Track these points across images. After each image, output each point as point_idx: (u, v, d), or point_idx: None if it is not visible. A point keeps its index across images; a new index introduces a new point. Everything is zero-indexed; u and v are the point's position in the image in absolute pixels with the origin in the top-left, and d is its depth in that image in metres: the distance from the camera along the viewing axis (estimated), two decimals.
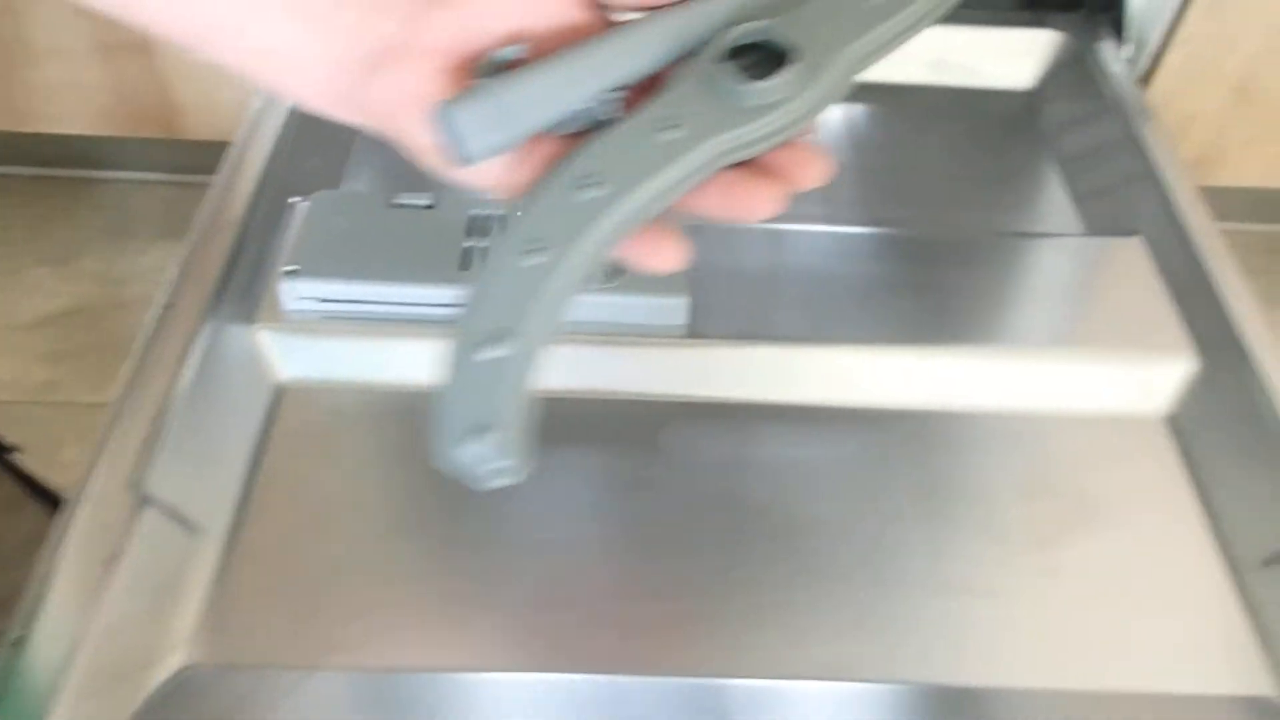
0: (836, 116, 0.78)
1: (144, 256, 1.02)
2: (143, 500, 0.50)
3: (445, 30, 0.34)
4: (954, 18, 0.81)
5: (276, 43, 0.34)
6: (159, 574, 0.49)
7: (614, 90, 0.35)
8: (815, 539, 0.54)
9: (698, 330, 0.58)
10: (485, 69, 0.34)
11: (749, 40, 0.35)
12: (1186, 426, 0.58)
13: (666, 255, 0.35)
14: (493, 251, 0.35)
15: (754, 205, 0.35)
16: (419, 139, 0.34)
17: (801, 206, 0.70)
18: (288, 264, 0.58)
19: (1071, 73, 0.78)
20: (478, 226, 0.60)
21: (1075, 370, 0.59)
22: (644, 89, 0.35)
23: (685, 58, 0.35)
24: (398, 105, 0.34)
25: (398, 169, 0.70)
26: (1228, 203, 0.92)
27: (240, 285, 0.59)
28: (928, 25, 0.38)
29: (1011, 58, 0.80)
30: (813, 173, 0.36)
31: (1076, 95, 0.77)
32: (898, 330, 0.60)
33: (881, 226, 0.67)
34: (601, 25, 0.36)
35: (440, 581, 0.52)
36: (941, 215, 0.71)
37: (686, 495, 0.56)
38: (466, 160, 0.33)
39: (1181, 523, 0.55)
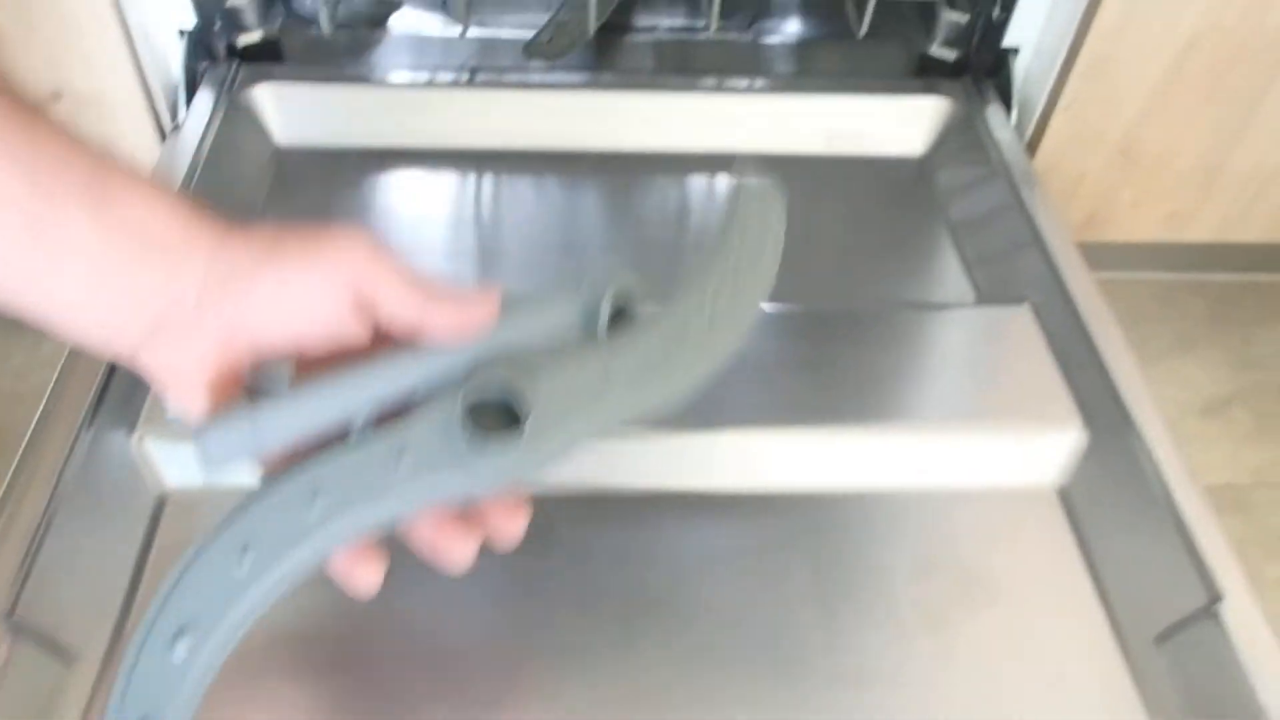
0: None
1: (41, 348, 0.99)
2: (15, 631, 0.48)
3: (229, 322, 0.37)
4: (845, 87, 0.83)
5: (76, 299, 0.35)
6: (30, 709, 0.47)
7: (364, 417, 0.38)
8: (712, 627, 0.53)
9: None
10: (251, 382, 0.39)
11: (488, 396, 0.38)
12: (1077, 499, 0.59)
13: (361, 578, 0.38)
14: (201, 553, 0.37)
15: (453, 556, 0.39)
16: (170, 400, 0.38)
17: None
18: None
19: (961, 139, 0.79)
20: None
21: (967, 445, 0.60)
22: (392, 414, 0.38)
23: (436, 393, 0.38)
24: (164, 371, 0.37)
25: None
26: (1121, 255, 0.94)
27: (121, 390, 0.58)
28: (669, 405, 0.42)
29: (902, 125, 0.81)
30: (513, 529, 0.40)
31: (965, 161, 0.78)
32: (792, 411, 0.60)
33: (774, 300, 0.67)
34: (370, 342, 0.39)
35: (330, 695, 0.50)
36: (836, 288, 0.71)
37: (582, 588, 0.55)
38: (210, 467, 0.37)
39: (1073, 598, 0.55)
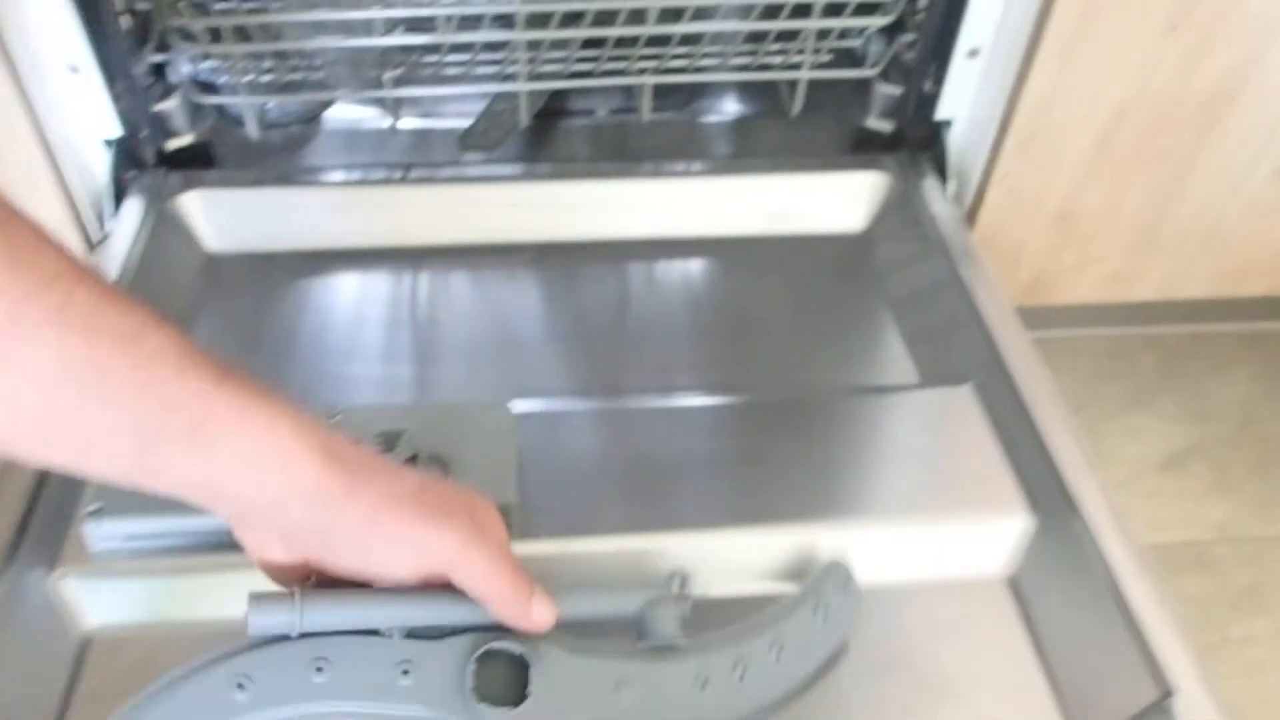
0: (671, 274, 0.78)
1: None
2: None
3: (316, 556, 0.41)
4: (783, 166, 0.83)
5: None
6: None
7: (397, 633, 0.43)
8: None
9: (527, 530, 0.56)
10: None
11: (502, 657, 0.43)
12: (1027, 588, 0.58)
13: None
14: None
15: None
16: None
17: (637, 377, 0.70)
18: (92, 503, 0.54)
19: (899, 214, 0.79)
20: None
21: (914, 539, 0.59)
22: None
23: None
24: (248, 543, 0.43)
25: None
26: (1069, 313, 0.94)
27: (40, 529, 0.56)
28: None
29: (842, 202, 0.81)
30: None
31: (905, 237, 0.78)
32: (733, 511, 0.59)
33: (719, 393, 0.67)
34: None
35: None
36: (780, 373, 0.71)
37: None
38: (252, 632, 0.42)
39: (1027, 695, 0.54)
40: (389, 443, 0.58)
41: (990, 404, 0.64)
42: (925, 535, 0.59)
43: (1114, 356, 0.99)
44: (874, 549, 0.58)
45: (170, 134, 0.80)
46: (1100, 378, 0.98)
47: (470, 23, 0.75)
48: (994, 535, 0.59)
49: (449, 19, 0.74)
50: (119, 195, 0.78)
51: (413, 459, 0.57)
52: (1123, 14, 0.70)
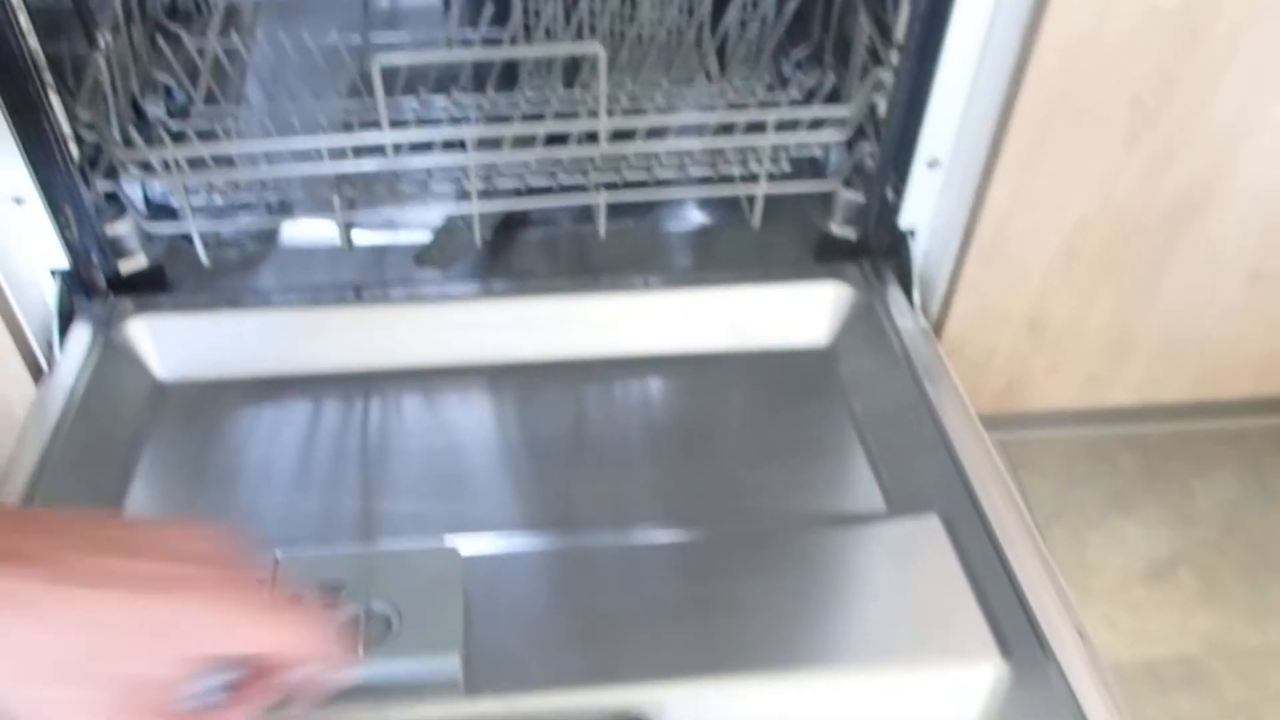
0: (631, 396, 0.76)
1: None
2: None
3: None
4: (746, 278, 0.81)
5: None
6: None
7: None
8: None
9: (475, 685, 0.54)
10: None
11: None
12: None
13: None
14: None
15: None
16: None
17: (593, 511, 0.68)
18: None
19: (864, 327, 0.77)
20: None
21: (882, 687, 0.56)
22: None
23: None
24: None
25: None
26: (1045, 416, 0.92)
27: None
28: None
29: (806, 314, 0.79)
30: None
31: (870, 351, 0.76)
32: (693, 661, 0.56)
33: (678, 526, 0.64)
34: None
35: None
36: (743, 501, 0.68)
37: None
38: None
39: None
40: (330, 594, 0.55)
41: (958, 536, 0.62)
42: (893, 684, 0.56)
43: (1092, 457, 0.97)
44: (838, 700, 0.55)
45: (122, 255, 0.79)
46: (1079, 480, 0.95)
47: (422, 147, 0.74)
48: (965, 682, 0.56)
49: (399, 145, 0.73)
50: (66, 327, 0.76)
51: (354, 619, 0.55)
52: (1082, 125, 0.69)
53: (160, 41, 0.86)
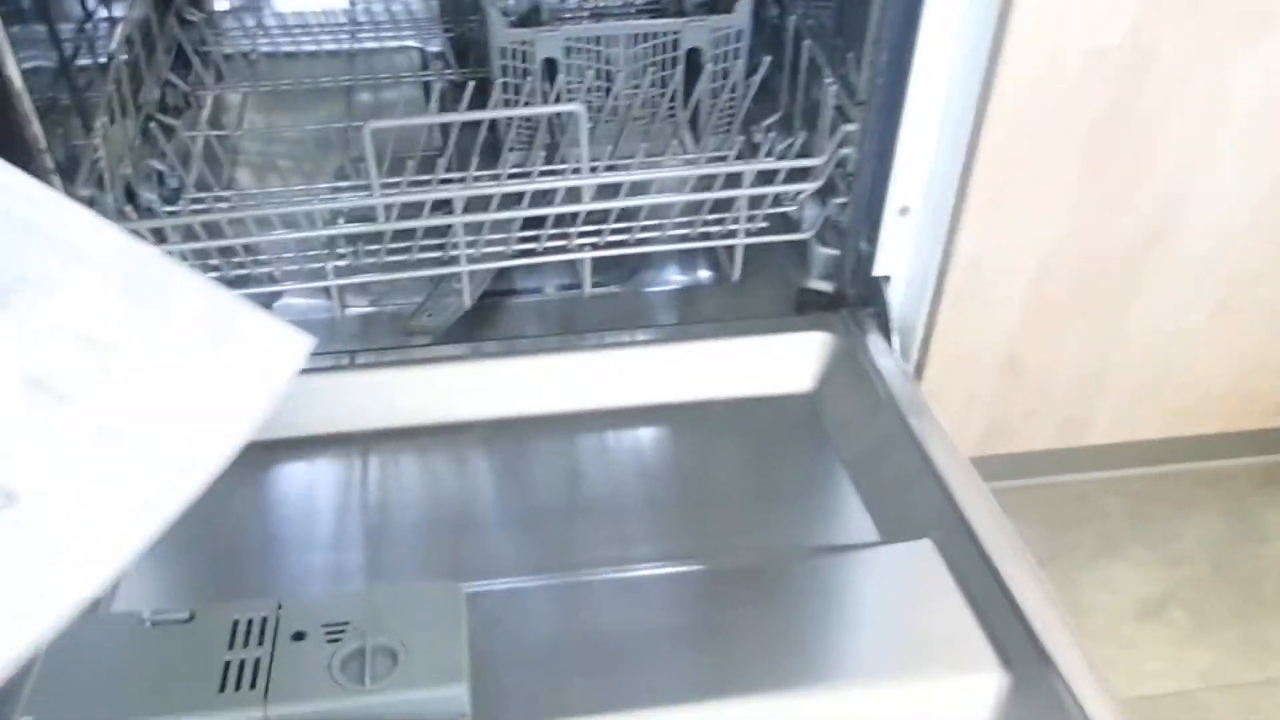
0: (623, 445, 0.77)
1: None
2: None
3: None
4: (729, 330, 0.83)
5: None
6: None
7: None
8: None
9: (483, 716, 0.53)
10: None
11: None
12: None
13: None
14: None
15: None
16: None
17: (591, 552, 0.68)
18: (24, 713, 0.51)
19: (847, 372, 0.79)
20: (240, 635, 0.56)
21: (885, 704, 0.56)
22: None
23: None
24: None
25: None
26: (1027, 461, 0.94)
27: None
28: None
29: (790, 363, 0.81)
30: None
31: (854, 394, 0.78)
32: (694, 685, 0.56)
33: (675, 561, 0.65)
34: None
35: None
36: (735, 539, 0.69)
37: None
38: None
39: None
40: (334, 633, 0.55)
41: (952, 558, 0.63)
42: (897, 700, 0.56)
43: (1079, 503, 0.98)
44: (847, 716, 0.55)
45: None
46: (1067, 526, 0.97)
47: (411, 210, 0.77)
48: (967, 695, 0.56)
49: (389, 208, 0.76)
50: None
51: (359, 650, 0.55)
52: (1040, 166, 0.72)
53: (153, 129, 0.89)
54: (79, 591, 0.36)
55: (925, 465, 0.69)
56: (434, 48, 1.11)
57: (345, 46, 1.11)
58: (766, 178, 0.79)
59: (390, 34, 1.12)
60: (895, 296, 0.82)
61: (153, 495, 0.39)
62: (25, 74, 0.71)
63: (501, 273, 0.87)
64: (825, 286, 0.86)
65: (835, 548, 0.67)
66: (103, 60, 0.88)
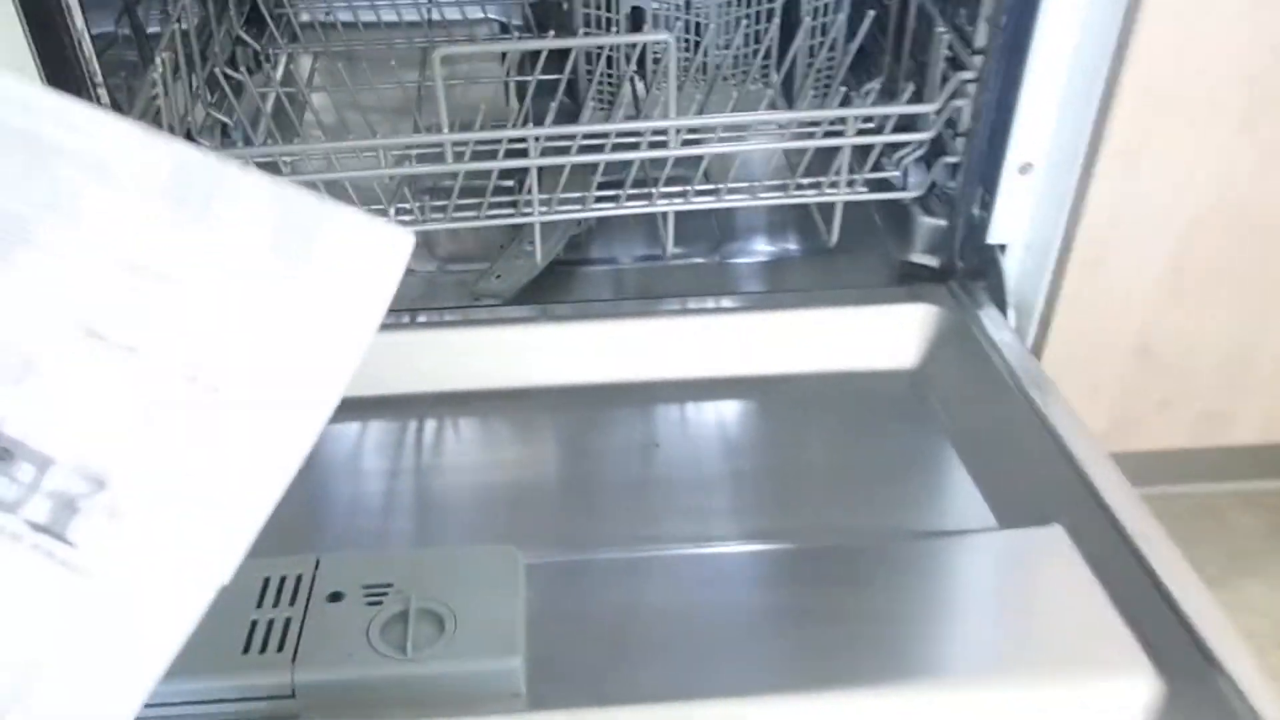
0: (704, 417, 0.69)
1: None
2: None
3: None
4: (823, 300, 0.76)
5: None
6: None
7: None
8: None
9: (538, 697, 0.47)
10: None
11: None
12: None
13: None
14: None
15: None
16: None
17: (666, 527, 0.61)
18: None
19: (957, 347, 0.71)
20: (271, 592, 0.50)
21: (1017, 707, 0.47)
22: None
23: None
24: None
25: None
26: (1153, 466, 0.84)
27: None
28: None
29: (890, 336, 0.73)
30: None
31: (965, 370, 0.69)
32: (793, 674, 0.48)
33: (760, 539, 0.57)
34: None
35: None
36: (836, 522, 0.61)
37: None
38: None
39: None
40: (375, 595, 0.50)
41: (1087, 547, 0.54)
42: (1029, 703, 0.47)
43: (1210, 518, 0.88)
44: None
45: None
46: (1195, 541, 0.86)
47: (484, 154, 0.71)
48: (1110, 701, 0.47)
49: (459, 153, 0.70)
50: None
51: (402, 614, 0.49)
52: (1190, 112, 0.64)
53: (221, 82, 0.85)
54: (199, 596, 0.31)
55: (1054, 446, 0.60)
56: (515, 20, 1.06)
57: (424, 16, 1.07)
58: (871, 132, 0.72)
59: (472, 2, 1.08)
60: (1011, 267, 0.74)
61: (266, 456, 0.33)
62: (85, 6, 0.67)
63: (575, 241, 0.81)
64: (930, 260, 0.78)
65: (948, 532, 0.59)
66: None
